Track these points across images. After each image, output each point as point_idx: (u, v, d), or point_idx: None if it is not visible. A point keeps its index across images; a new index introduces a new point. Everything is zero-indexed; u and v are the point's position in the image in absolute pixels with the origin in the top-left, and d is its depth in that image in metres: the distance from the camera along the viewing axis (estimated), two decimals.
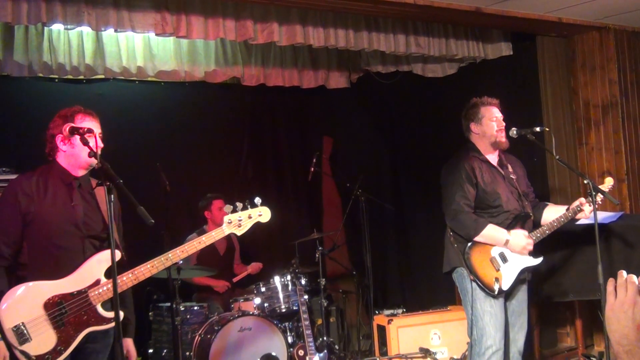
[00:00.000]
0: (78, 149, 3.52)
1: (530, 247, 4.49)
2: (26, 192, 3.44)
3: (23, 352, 3.27)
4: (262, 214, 3.85)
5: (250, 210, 3.79)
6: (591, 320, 6.48)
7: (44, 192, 3.47)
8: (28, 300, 3.33)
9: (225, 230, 3.74)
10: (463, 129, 4.76)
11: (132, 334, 3.74)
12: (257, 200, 3.83)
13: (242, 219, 3.76)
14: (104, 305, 3.47)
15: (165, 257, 3.57)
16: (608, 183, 4.66)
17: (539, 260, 4.55)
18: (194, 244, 3.66)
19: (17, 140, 6.00)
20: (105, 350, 3.57)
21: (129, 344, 3.68)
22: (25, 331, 3.29)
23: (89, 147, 3.40)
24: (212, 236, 3.71)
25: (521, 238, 4.47)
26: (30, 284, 3.36)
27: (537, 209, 4.76)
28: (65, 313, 3.38)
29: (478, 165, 4.58)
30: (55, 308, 3.36)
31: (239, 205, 3.75)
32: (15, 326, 3.28)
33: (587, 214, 4.53)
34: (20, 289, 3.34)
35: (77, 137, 3.46)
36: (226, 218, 3.75)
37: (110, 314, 3.45)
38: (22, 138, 5.92)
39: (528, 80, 6.86)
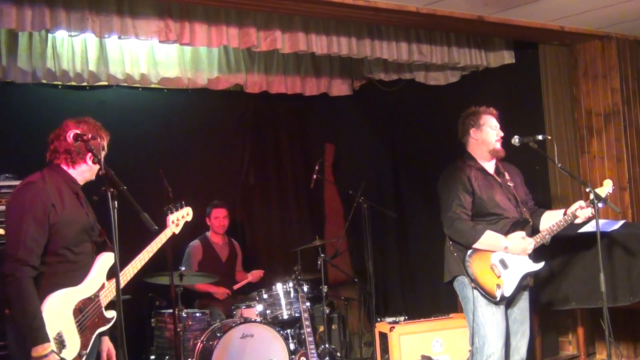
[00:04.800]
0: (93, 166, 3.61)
1: (531, 248, 4.50)
2: (52, 202, 3.44)
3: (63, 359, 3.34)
4: (189, 213, 4.28)
5: (182, 211, 4.23)
6: (593, 328, 6.47)
7: (61, 201, 3.50)
8: (61, 308, 3.40)
9: (172, 229, 4.12)
10: (459, 133, 4.79)
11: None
12: (183, 203, 4.29)
13: (179, 219, 4.19)
14: (105, 307, 3.62)
15: (138, 260, 3.79)
16: (607, 185, 4.63)
17: (541, 265, 4.55)
18: (156, 244, 3.92)
19: (21, 147, 6.02)
20: (94, 351, 3.63)
21: (108, 342, 3.75)
22: (63, 339, 3.36)
23: (93, 154, 3.44)
24: (165, 235, 4.03)
25: (519, 240, 4.48)
26: (61, 291, 3.41)
27: (535, 215, 4.76)
28: (86, 317, 3.49)
29: (474, 174, 4.62)
30: (80, 314, 3.46)
31: (174, 206, 4.22)
32: (57, 334, 3.34)
33: (583, 219, 4.53)
34: (53, 298, 3.38)
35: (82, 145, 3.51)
36: (169, 219, 4.14)
37: (110, 314, 3.62)
38: (25, 144, 5.92)
39: (530, 89, 6.87)
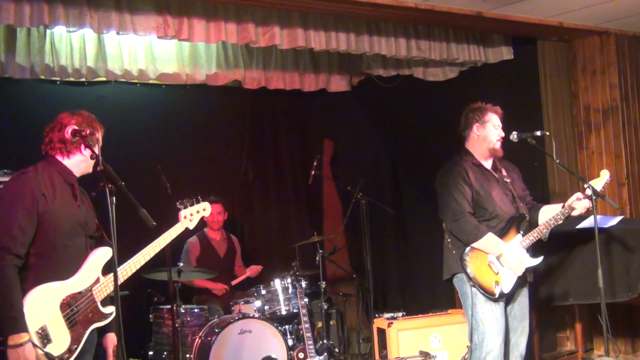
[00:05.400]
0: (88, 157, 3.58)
1: (522, 270, 4.49)
2: (42, 191, 3.43)
3: (47, 354, 3.31)
4: (205, 208, 4.23)
5: (197, 206, 4.17)
6: (591, 324, 6.48)
7: (53, 191, 3.48)
8: (47, 302, 3.37)
9: (183, 224, 4.06)
10: (462, 126, 4.79)
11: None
12: (199, 197, 4.25)
13: (193, 214, 4.14)
14: (101, 302, 3.57)
15: (142, 255, 3.75)
16: (603, 175, 4.61)
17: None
18: (164, 239, 3.86)
19: (19, 143, 6.01)
20: (91, 349, 3.63)
21: (113, 338, 3.74)
22: (48, 333, 3.33)
23: (92, 150, 3.44)
24: (176, 230, 3.97)
25: (515, 257, 4.47)
26: (47, 285, 3.39)
27: (533, 210, 4.77)
28: (76, 312, 3.45)
29: (471, 169, 4.63)
30: (69, 308, 3.42)
31: (188, 201, 4.16)
32: (40, 328, 3.32)
33: (580, 211, 4.53)
34: (38, 291, 3.35)
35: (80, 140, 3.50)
36: (182, 214, 4.09)
37: (108, 310, 3.59)
38: (23, 140, 5.91)
39: (529, 84, 6.87)
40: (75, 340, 3.42)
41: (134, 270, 3.68)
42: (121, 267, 3.59)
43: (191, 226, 4.09)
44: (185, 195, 4.26)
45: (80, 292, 3.48)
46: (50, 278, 3.40)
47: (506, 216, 4.57)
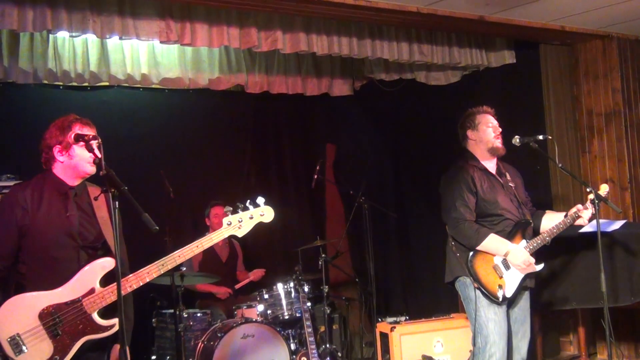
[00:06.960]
0: (77, 159, 3.51)
1: (530, 266, 4.48)
2: (21, 204, 3.44)
3: None
4: (264, 213, 3.72)
5: (251, 211, 3.70)
6: (594, 328, 6.47)
7: (38, 203, 3.47)
8: (23, 311, 3.34)
9: (224, 232, 3.66)
10: (460, 138, 4.80)
11: (128, 340, 3.69)
12: (260, 199, 3.73)
13: (243, 220, 3.68)
14: (100, 314, 3.47)
15: (161, 263, 3.53)
16: (603, 190, 4.64)
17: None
18: (192, 248, 3.59)
19: (22, 147, 5.99)
20: (102, 356, 3.58)
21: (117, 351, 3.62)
22: (20, 342, 3.30)
23: (94, 154, 3.41)
24: (211, 239, 3.63)
25: (522, 253, 4.47)
26: (25, 295, 3.37)
27: (535, 217, 4.76)
28: (60, 322, 3.38)
29: (477, 174, 4.61)
30: (50, 318, 3.36)
31: (240, 205, 3.69)
32: (10, 337, 3.29)
33: (585, 220, 4.53)
34: (15, 300, 3.35)
35: (75, 147, 3.47)
36: (225, 220, 3.66)
37: (107, 322, 3.47)
38: (27, 145, 5.85)
39: (531, 88, 6.87)
40: (59, 350, 3.35)
41: (151, 278, 3.53)
42: (136, 272, 3.50)
43: (240, 234, 3.67)
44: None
45: (65, 303, 3.40)
46: (38, 288, 3.39)
47: (512, 221, 4.57)
